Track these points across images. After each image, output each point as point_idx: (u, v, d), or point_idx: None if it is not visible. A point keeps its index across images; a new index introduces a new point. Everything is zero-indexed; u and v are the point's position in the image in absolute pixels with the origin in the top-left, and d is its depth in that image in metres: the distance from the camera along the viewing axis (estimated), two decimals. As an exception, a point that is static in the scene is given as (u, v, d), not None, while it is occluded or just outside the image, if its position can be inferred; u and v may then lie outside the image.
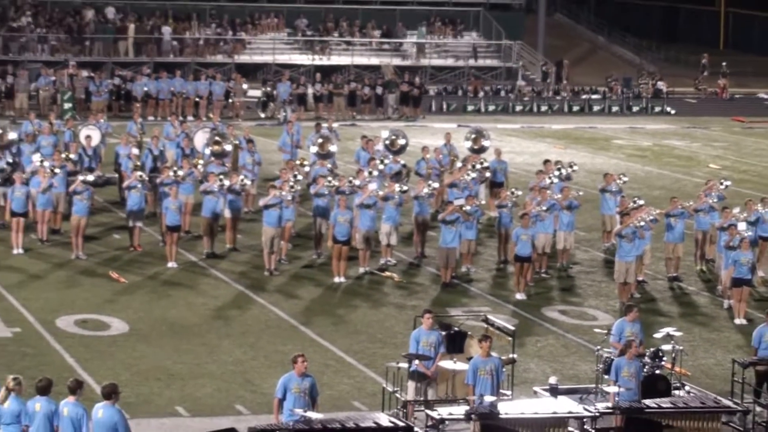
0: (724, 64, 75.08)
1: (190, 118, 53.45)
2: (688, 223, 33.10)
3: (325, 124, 44.22)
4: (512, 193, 34.79)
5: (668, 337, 23.76)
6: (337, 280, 31.23)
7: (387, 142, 41.49)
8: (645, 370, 22.07)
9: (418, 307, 27.26)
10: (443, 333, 23.01)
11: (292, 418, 19.58)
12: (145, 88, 57.86)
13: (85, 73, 59.48)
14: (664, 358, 23.15)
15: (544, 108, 65.06)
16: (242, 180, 35.18)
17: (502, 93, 65.99)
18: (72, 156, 37.09)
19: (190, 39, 65.25)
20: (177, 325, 27.44)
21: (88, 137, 40.31)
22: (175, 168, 34.93)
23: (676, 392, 22.40)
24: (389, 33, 69.17)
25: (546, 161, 38.39)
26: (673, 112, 66.36)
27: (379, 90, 61.69)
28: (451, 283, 31.28)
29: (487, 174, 38.09)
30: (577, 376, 24.01)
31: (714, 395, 22.55)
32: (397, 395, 21.80)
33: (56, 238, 33.90)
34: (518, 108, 64.48)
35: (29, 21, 63.91)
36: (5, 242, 33.14)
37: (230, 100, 59.09)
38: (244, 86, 60.90)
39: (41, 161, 34.81)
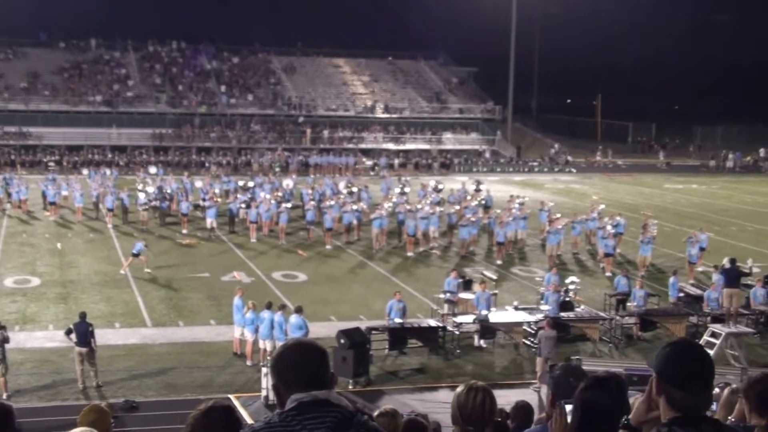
0: (600, 147, 74.47)
1: (337, 175, 53.66)
2: (583, 226, 32.77)
3: (403, 178, 44.33)
4: (495, 211, 34.79)
5: (573, 282, 23.60)
6: (409, 254, 31.11)
7: (434, 186, 41.48)
8: (561, 298, 21.90)
9: (449, 267, 27.15)
10: (461, 280, 23.02)
11: (391, 322, 19.81)
12: (315, 161, 58.36)
13: (285, 153, 60.07)
14: (571, 293, 22.97)
15: (511, 169, 64.54)
16: (362, 205, 35.35)
17: (491, 162, 65.58)
18: (279, 193, 37.34)
19: (336, 135, 65.37)
20: (330, 276, 27.53)
21: (287, 184, 40.65)
22: (329, 199, 35.15)
23: (577, 309, 22.20)
24: (434, 132, 68.84)
25: (511, 196, 38.26)
26: (574, 171, 65.63)
27: (429, 161, 61.81)
28: (465, 255, 31.08)
29: (483, 202, 38.01)
30: (527, 302, 23.77)
31: (595, 311, 22.33)
32: (438, 311, 21.81)
33: (272, 233, 34.08)
34: (498, 169, 64.02)
35: (257, 128, 64.39)
36: (246, 236, 33.38)
37: (356, 166, 59.26)
38: (363, 159, 61.14)
39: (265, 196, 35.22)
